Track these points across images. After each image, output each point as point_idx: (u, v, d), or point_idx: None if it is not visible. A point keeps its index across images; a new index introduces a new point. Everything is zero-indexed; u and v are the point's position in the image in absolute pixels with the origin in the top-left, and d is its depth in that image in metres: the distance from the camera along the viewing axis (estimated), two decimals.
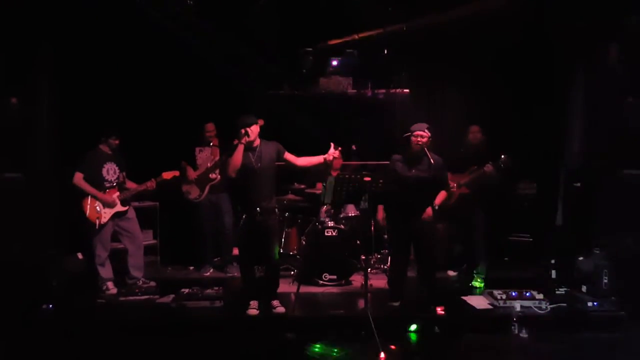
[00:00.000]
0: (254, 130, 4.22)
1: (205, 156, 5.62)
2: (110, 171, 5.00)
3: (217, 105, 5.93)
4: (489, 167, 4.89)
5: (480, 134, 5.23)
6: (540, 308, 4.34)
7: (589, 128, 5.44)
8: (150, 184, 5.02)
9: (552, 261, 4.75)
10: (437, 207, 4.35)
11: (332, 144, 4.27)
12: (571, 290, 4.56)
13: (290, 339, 4.07)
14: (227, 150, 4.36)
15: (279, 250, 4.72)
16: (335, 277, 5.20)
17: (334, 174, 5.44)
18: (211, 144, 5.62)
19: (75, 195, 4.87)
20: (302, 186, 5.93)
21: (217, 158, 5.52)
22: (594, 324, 4.19)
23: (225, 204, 5.64)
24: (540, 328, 4.14)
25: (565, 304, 4.44)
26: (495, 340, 3.99)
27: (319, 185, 5.87)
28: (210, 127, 5.62)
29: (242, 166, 4.20)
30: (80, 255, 5.49)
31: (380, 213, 4.59)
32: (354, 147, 6.08)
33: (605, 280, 4.37)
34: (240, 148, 4.17)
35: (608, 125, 5.18)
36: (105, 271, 4.98)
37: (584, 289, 4.48)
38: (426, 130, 4.27)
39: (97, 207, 4.90)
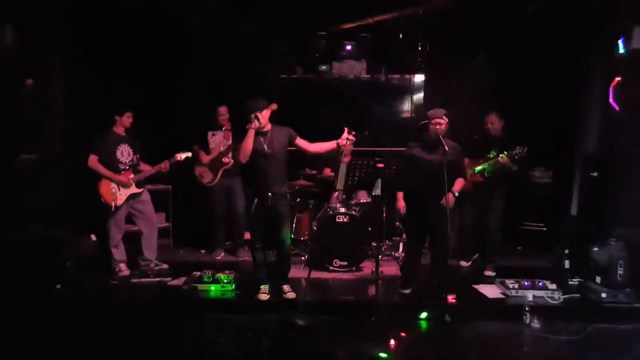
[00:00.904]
0: (264, 115, 4.19)
1: (218, 140, 5.62)
2: (125, 153, 5.01)
3: (229, 89, 5.91)
4: (503, 158, 4.82)
5: (497, 123, 5.12)
6: (553, 298, 4.31)
7: (606, 115, 5.31)
8: (164, 166, 5.03)
9: (566, 251, 4.68)
10: (456, 194, 4.28)
11: (345, 129, 4.22)
12: (585, 280, 4.51)
13: (300, 324, 4.08)
14: (239, 134, 4.34)
15: (291, 235, 4.72)
16: (346, 263, 5.19)
17: (346, 159, 5.41)
18: (224, 128, 5.61)
19: (89, 176, 4.91)
20: (314, 172, 5.91)
21: (230, 142, 5.50)
22: (607, 315, 4.14)
23: (238, 188, 5.65)
24: (552, 318, 4.09)
25: (578, 295, 4.40)
26: (507, 330, 3.95)
27: (326, 170, 5.83)
28: (222, 110, 5.60)
29: (253, 151, 4.18)
30: (93, 237, 5.54)
31: (401, 202, 4.46)
32: (365, 132, 6.03)
33: (621, 272, 4.30)
34: (251, 133, 4.14)
35: (626, 111, 5.05)
36: (119, 253, 5.03)
37: (598, 279, 4.41)
38: (444, 117, 4.21)
39: (113, 189, 4.93)
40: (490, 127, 5.12)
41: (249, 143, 4.14)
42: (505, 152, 4.79)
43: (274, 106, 4.29)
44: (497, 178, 4.97)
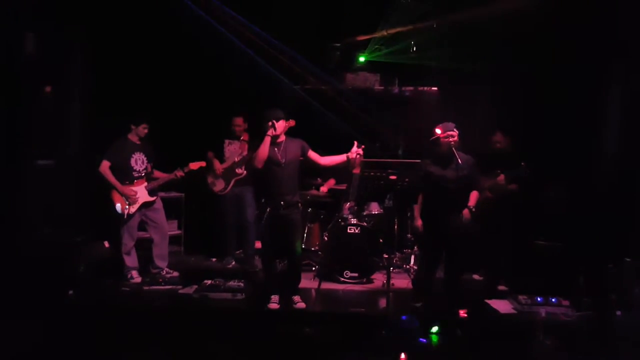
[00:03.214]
0: (280, 124, 4.25)
1: (234, 149, 5.64)
2: (139, 161, 5.06)
3: (244, 99, 5.96)
4: (501, 178, 4.86)
5: (503, 141, 5.17)
6: (566, 315, 4.25)
7: (625, 130, 5.26)
8: (178, 174, 5.08)
9: (581, 268, 4.63)
10: (473, 209, 4.25)
11: (355, 142, 4.25)
12: (599, 298, 4.44)
13: (309, 334, 4.07)
14: (254, 144, 4.39)
15: (302, 245, 4.72)
16: (356, 274, 5.17)
17: (356, 171, 5.42)
18: (241, 138, 5.64)
19: (104, 183, 4.95)
20: (320, 181, 5.91)
21: (246, 153, 5.52)
22: (622, 334, 4.07)
23: (248, 197, 5.65)
24: (565, 336, 4.03)
25: (592, 313, 4.32)
26: (519, 347, 3.90)
27: (331, 182, 5.85)
28: (238, 121, 5.62)
29: (267, 160, 4.23)
30: (106, 243, 5.59)
31: (419, 220, 4.35)
32: (378, 144, 6.04)
33: (636, 291, 4.24)
34: (267, 140, 4.21)
35: None
36: (131, 260, 5.06)
37: (612, 298, 4.35)
38: (455, 129, 4.21)
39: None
40: (499, 146, 5.18)
41: (265, 149, 4.20)
42: (504, 173, 4.84)
43: (292, 122, 4.35)
44: (502, 195, 4.97)
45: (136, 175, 5.03)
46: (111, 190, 4.94)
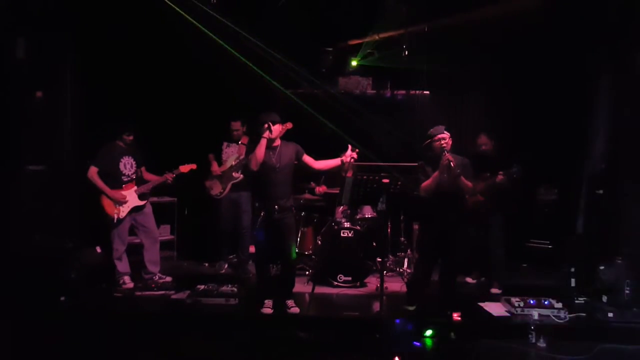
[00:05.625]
0: (276, 128, 4.26)
1: (231, 153, 5.63)
2: (128, 165, 5.05)
3: (236, 103, 5.95)
4: (500, 177, 4.83)
5: (489, 144, 5.18)
6: (558, 317, 4.26)
7: (613, 133, 5.32)
8: (169, 177, 5.06)
9: (572, 269, 4.65)
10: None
11: (349, 146, 4.26)
12: (591, 299, 4.47)
13: (303, 338, 4.06)
14: (250, 147, 4.39)
15: (296, 249, 4.71)
16: (350, 278, 5.17)
17: (348, 174, 5.42)
18: (240, 142, 5.61)
19: (94, 188, 4.93)
20: (312, 184, 5.91)
21: (243, 157, 5.50)
22: (614, 335, 4.10)
23: (245, 202, 5.62)
24: (558, 337, 4.05)
25: (584, 314, 4.35)
26: (512, 349, 3.92)
27: (322, 188, 5.86)
28: (236, 125, 5.57)
29: (263, 164, 4.23)
30: (98, 249, 5.55)
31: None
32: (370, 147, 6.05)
33: (627, 291, 4.27)
34: (263, 142, 4.21)
35: (633, 130, 5.06)
36: (122, 265, 5.03)
37: (604, 299, 4.38)
38: (445, 131, 4.23)
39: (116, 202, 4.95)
40: (484, 148, 5.18)
41: (261, 151, 4.20)
42: (502, 172, 4.80)
43: (289, 125, 4.36)
44: (494, 196, 4.98)
45: (126, 179, 5.01)
46: (101, 195, 4.92)
